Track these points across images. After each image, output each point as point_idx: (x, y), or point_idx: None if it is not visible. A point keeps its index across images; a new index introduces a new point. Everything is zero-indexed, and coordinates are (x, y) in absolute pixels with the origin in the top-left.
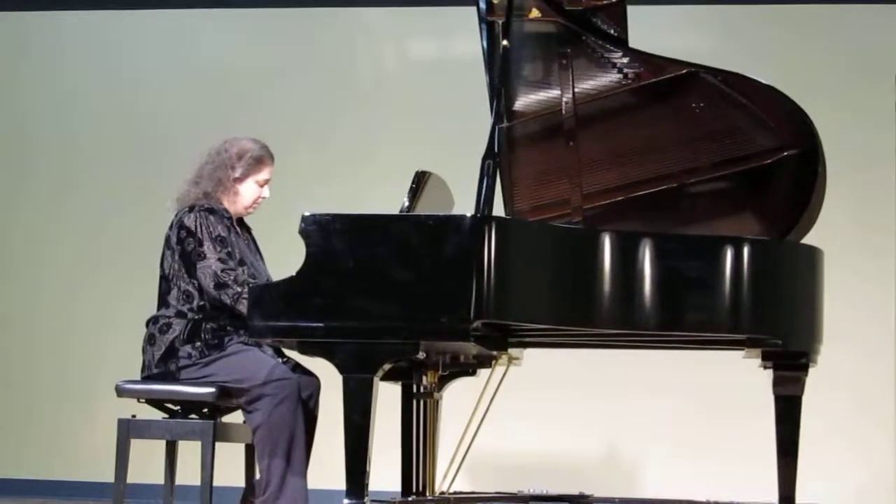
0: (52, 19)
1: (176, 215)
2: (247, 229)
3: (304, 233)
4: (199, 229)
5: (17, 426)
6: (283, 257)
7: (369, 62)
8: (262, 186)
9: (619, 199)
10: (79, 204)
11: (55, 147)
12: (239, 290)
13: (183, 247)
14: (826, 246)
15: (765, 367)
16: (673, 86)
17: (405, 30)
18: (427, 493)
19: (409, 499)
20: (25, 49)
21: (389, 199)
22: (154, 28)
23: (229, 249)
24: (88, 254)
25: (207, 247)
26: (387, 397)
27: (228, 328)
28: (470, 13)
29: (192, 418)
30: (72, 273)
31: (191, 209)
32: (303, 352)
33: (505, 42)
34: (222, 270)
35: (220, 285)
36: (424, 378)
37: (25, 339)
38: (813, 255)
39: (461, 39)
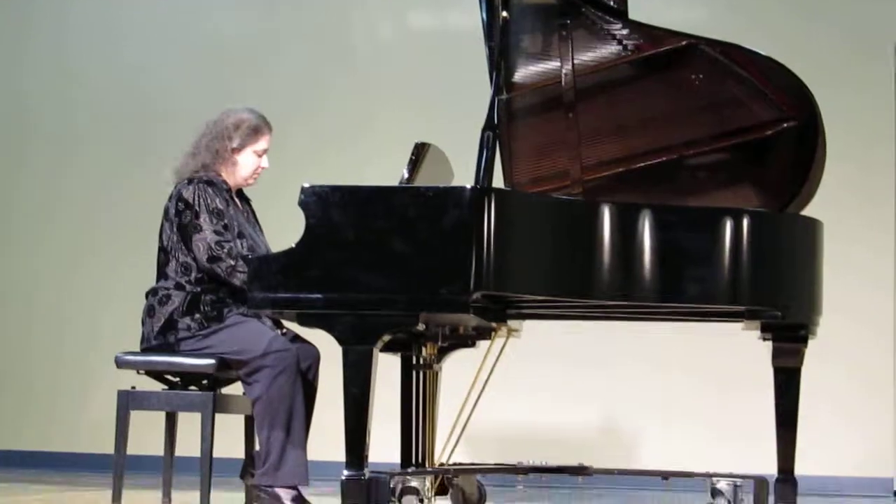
0: None
1: (175, 187)
2: (246, 201)
3: (303, 204)
4: (196, 201)
5: (15, 398)
6: (282, 229)
7: (368, 33)
8: (260, 156)
9: (619, 170)
10: (77, 176)
11: (55, 120)
12: (232, 263)
13: (180, 219)
14: (825, 217)
15: (764, 339)
16: (672, 58)
17: (403, 1)
18: (426, 465)
19: (409, 470)
20: (27, 24)
21: (388, 171)
22: (154, 2)
23: (226, 222)
24: (87, 226)
25: (203, 219)
26: (386, 369)
27: (227, 300)
28: None
29: (191, 390)
30: (70, 245)
31: (189, 181)
32: (302, 323)
33: (504, 13)
34: (216, 243)
35: (213, 258)
36: (424, 350)
37: (24, 312)
38: (812, 226)
39: (460, 10)
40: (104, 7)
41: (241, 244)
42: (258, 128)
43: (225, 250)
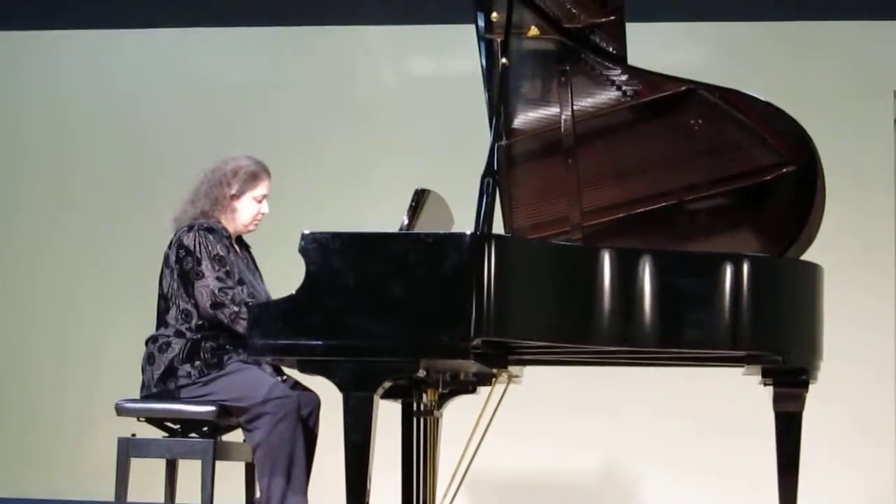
0: (48, 39)
1: (175, 234)
2: (245, 248)
3: (303, 251)
4: (197, 248)
5: (14, 445)
6: (282, 275)
7: (368, 80)
8: (259, 202)
9: (619, 216)
10: (74, 221)
11: (51, 165)
12: (236, 309)
13: (181, 266)
14: (825, 261)
15: (765, 384)
16: (671, 103)
17: (404, 48)
18: None
19: None
20: (22, 68)
21: (388, 217)
22: (152, 48)
23: (228, 269)
24: (84, 272)
25: (205, 265)
26: (387, 415)
27: (227, 347)
28: (468, 31)
29: (192, 437)
30: (67, 291)
31: (190, 228)
32: (302, 370)
33: (504, 60)
34: (219, 290)
35: (216, 304)
36: (424, 396)
37: (22, 358)
38: (812, 271)
39: (459, 57)
40: (100, 50)
41: (242, 291)
42: (256, 174)
43: (228, 297)
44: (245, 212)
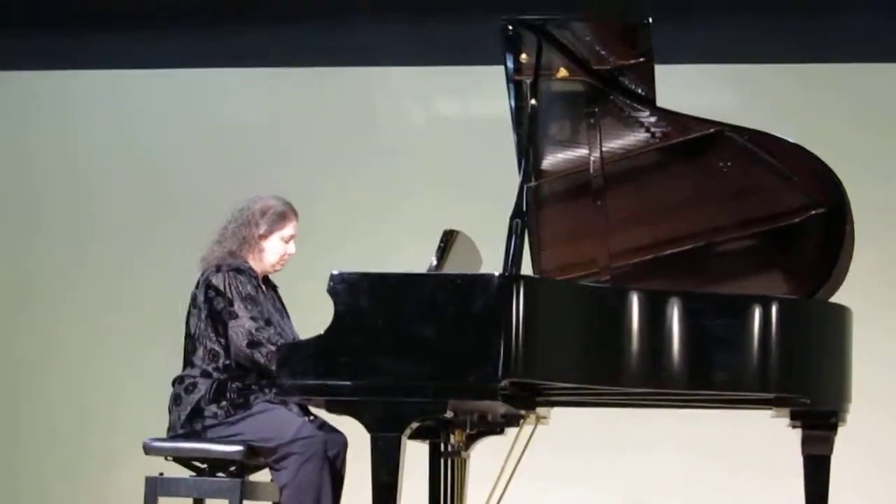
0: (61, 79)
1: (202, 274)
2: (272, 287)
3: (332, 291)
4: (227, 289)
5: (38, 482)
6: (308, 315)
7: (394, 121)
8: (287, 242)
9: (647, 257)
10: (93, 263)
11: (67, 204)
12: (272, 348)
13: (211, 305)
14: (854, 304)
15: (793, 427)
16: (700, 145)
17: (430, 89)
18: None
19: None
20: (34, 109)
21: (415, 258)
22: (170, 88)
23: (260, 308)
24: (104, 313)
25: (238, 306)
26: (414, 456)
27: (254, 387)
28: (493, 72)
29: (219, 476)
30: (89, 331)
31: (217, 268)
32: (330, 410)
33: (533, 101)
34: (256, 329)
35: (253, 343)
36: (452, 437)
37: (45, 396)
38: (841, 314)
39: (486, 98)
40: (115, 91)
41: (273, 331)
42: (284, 214)
43: (265, 336)
44: (272, 252)
